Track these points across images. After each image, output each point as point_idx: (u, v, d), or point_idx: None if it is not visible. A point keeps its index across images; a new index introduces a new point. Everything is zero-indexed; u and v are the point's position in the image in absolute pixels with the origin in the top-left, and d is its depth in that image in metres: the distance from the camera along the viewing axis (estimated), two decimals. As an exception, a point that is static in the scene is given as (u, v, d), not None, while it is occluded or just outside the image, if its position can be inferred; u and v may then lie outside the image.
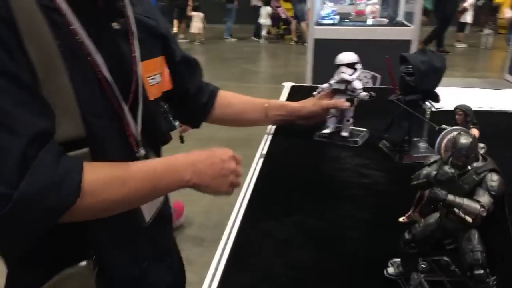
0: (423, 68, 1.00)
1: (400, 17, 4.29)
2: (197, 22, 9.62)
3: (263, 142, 1.22)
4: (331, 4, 4.30)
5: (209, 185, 0.75)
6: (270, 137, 1.25)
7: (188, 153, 0.75)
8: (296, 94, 1.75)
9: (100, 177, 0.63)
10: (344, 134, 1.21)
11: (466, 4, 8.54)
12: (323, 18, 4.09)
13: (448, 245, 0.59)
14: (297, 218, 0.85)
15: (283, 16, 10.39)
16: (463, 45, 8.78)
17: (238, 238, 0.79)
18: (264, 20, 10.10)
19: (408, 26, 3.87)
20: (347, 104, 1.16)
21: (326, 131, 1.22)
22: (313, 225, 0.83)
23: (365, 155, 1.12)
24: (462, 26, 8.92)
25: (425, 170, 0.56)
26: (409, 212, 0.80)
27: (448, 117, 1.06)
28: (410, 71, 1.02)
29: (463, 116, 0.72)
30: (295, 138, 1.24)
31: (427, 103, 1.06)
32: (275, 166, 1.09)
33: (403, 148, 1.10)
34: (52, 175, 0.57)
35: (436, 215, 0.58)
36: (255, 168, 1.07)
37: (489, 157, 0.54)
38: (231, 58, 8.42)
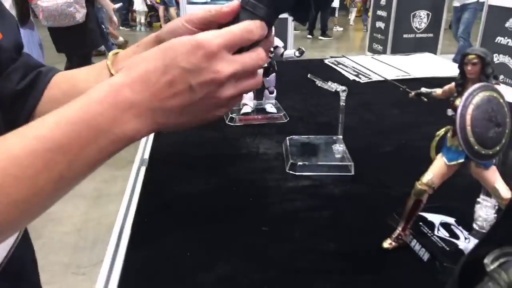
0: None
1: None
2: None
3: (143, 141, 0.81)
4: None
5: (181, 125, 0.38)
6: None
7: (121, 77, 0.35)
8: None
9: None
10: (270, 109, 0.92)
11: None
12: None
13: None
14: (218, 271, 0.48)
15: (148, 2, 9.71)
16: (340, 29, 9.25)
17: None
18: (140, 6, 9.34)
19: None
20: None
21: (246, 110, 0.91)
22: (247, 275, 0.47)
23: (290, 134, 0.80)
24: (333, 11, 9.35)
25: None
26: (397, 231, 0.50)
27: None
28: None
29: (480, 65, 0.43)
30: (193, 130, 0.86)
31: None
32: (160, 176, 0.70)
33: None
34: None
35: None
36: (134, 185, 0.67)
37: None
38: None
